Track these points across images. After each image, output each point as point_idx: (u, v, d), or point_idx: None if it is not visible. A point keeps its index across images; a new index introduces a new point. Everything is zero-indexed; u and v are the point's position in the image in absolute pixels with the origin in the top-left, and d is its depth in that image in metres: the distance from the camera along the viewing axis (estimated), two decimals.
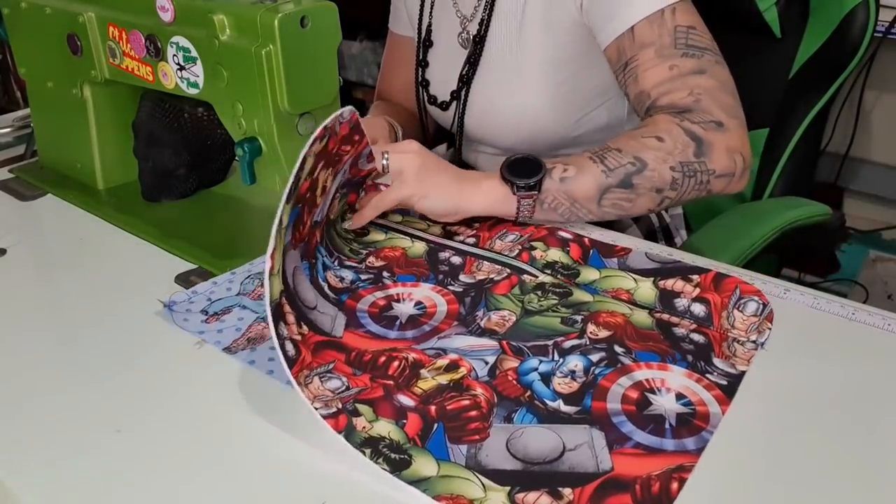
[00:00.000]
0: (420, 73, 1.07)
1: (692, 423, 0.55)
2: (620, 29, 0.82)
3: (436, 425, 0.55)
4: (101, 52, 0.83)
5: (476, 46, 0.96)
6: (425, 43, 1.05)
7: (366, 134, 0.71)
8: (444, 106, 1.03)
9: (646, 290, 0.70)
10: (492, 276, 0.73)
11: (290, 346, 0.58)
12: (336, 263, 0.74)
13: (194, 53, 0.72)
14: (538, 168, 0.77)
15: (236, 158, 0.72)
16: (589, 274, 0.73)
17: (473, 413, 0.56)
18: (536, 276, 0.72)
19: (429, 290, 0.71)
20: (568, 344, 0.63)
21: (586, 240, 0.77)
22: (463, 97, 0.99)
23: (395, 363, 0.61)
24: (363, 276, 0.73)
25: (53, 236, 0.86)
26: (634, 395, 0.58)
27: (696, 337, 0.64)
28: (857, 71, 1.40)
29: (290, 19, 0.65)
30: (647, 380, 0.59)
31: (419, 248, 0.78)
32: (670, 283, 0.70)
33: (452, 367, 0.61)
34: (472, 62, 0.97)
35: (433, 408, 0.56)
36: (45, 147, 1.00)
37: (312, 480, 0.51)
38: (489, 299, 0.69)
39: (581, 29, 0.88)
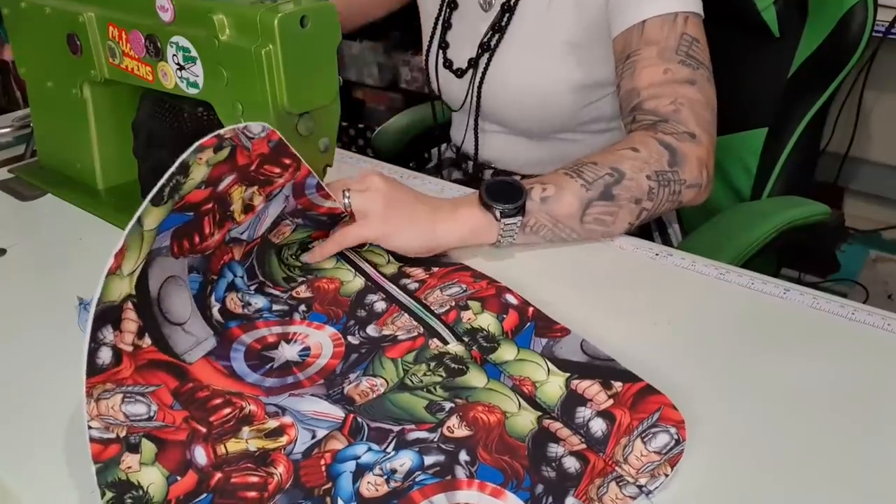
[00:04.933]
0: (441, 36, 1.03)
1: None
2: (633, 20, 0.83)
3: (204, 495, 0.50)
4: (100, 52, 0.83)
5: (504, 14, 0.95)
6: (450, 4, 1.03)
7: (303, 161, 0.65)
8: (460, 73, 1.01)
9: (554, 387, 0.59)
10: (399, 333, 0.66)
11: (105, 353, 0.53)
12: (252, 288, 0.70)
13: (194, 53, 0.72)
14: (517, 191, 0.74)
15: None
16: (506, 352, 0.63)
17: (252, 494, 0.50)
18: (447, 343, 0.64)
19: (326, 337, 0.66)
20: (413, 435, 0.55)
21: (531, 310, 0.67)
22: (483, 65, 0.96)
23: (227, 410, 0.56)
24: (275, 307, 0.69)
25: (53, 236, 0.86)
26: None
27: (570, 462, 0.53)
28: (856, 71, 1.40)
29: (290, 19, 0.65)
30: None
31: (356, 284, 0.72)
32: (584, 386, 0.58)
33: (276, 433, 0.55)
34: (497, 29, 0.95)
35: (219, 475, 0.51)
36: (44, 147, 1.00)
37: None
38: (374, 361, 0.63)
39: (605, 17, 0.89)
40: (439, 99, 1.11)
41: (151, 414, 0.54)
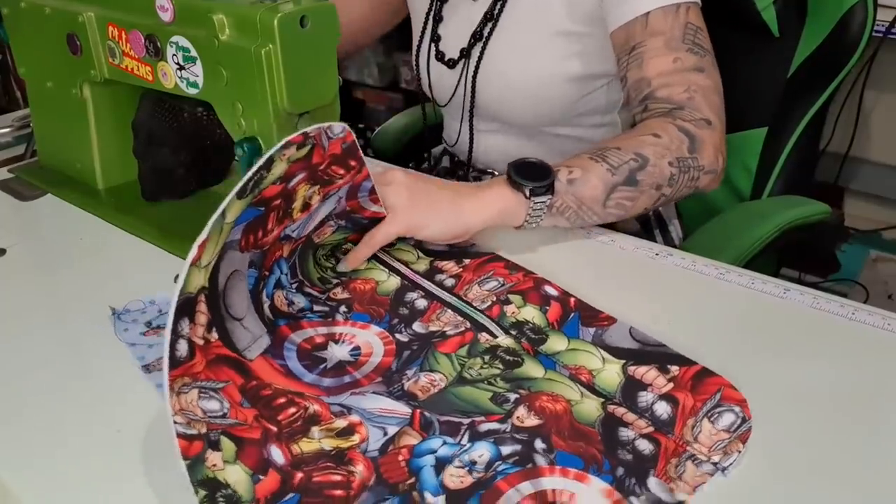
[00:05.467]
0: (433, 29, 1.03)
1: None
2: (634, 13, 0.84)
3: (291, 494, 0.49)
4: (100, 52, 0.83)
5: (496, 2, 0.95)
6: None
7: (366, 164, 0.66)
8: (452, 64, 1.01)
9: (611, 374, 0.60)
10: (447, 328, 0.66)
11: (182, 346, 0.53)
12: (294, 287, 0.70)
13: (194, 53, 0.72)
14: (543, 171, 0.75)
15: (236, 158, 0.72)
16: (556, 343, 0.64)
17: (338, 492, 0.50)
18: (496, 337, 0.65)
19: (374, 335, 0.66)
20: (485, 427, 0.55)
21: (572, 301, 0.69)
22: (478, 55, 0.96)
23: (292, 409, 0.56)
24: (316, 308, 0.69)
25: (53, 236, 0.86)
26: None
27: (643, 445, 0.53)
28: (857, 71, 1.40)
29: (290, 19, 0.65)
30: (553, 490, 0.50)
31: (392, 283, 0.73)
32: (641, 371, 0.60)
33: (347, 431, 0.55)
34: (491, 18, 0.96)
35: (300, 475, 0.51)
36: (44, 147, 1.00)
37: None
38: (428, 357, 0.63)
39: (599, 8, 0.89)
40: (429, 99, 1.11)
41: (225, 411, 0.54)
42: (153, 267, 0.77)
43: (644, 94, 0.85)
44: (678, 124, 0.80)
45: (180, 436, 0.49)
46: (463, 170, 1.11)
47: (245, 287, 0.62)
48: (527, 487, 0.50)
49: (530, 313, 0.67)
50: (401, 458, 0.53)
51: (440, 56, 1.02)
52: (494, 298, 0.69)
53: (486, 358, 0.63)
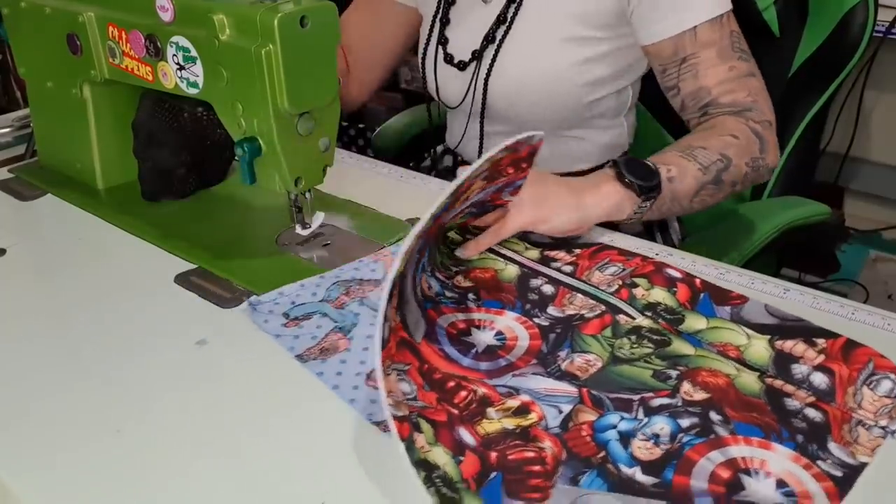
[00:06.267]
0: (440, 30, 1.04)
1: None
2: (682, 27, 0.87)
3: (493, 473, 0.50)
4: (100, 52, 0.83)
5: (510, 4, 0.96)
6: (448, 0, 1.03)
7: (533, 166, 0.69)
8: (462, 66, 1.01)
9: (759, 349, 0.61)
10: (583, 311, 0.67)
11: (385, 329, 0.54)
12: (430, 270, 0.71)
13: (194, 53, 0.72)
14: (648, 169, 0.79)
15: (236, 158, 0.72)
16: (695, 322, 0.65)
17: (537, 468, 0.50)
18: (634, 318, 0.65)
19: (512, 321, 0.66)
20: (657, 402, 0.56)
21: (697, 281, 0.70)
22: (491, 57, 0.97)
23: (463, 393, 0.57)
24: (447, 293, 0.69)
25: (53, 236, 0.86)
26: (726, 474, 0.50)
27: (812, 413, 0.55)
28: (857, 71, 1.40)
29: (290, 19, 0.65)
30: (743, 458, 0.51)
31: (511, 271, 0.73)
32: (789, 346, 0.61)
33: (522, 410, 0.55)
34: (503, 21, 0.96)
35: (494, 454, 0.51)
36: (44, 147, 1.00)
37: (312, 480, 0.51)
38: (575, 339, 0.63)
39: (616, 16, 0.91)
40: (434, 100, 1.10)
41: (415, 394, 0.55)
42: (153, 267, 0.77)
43: (705, 102, 0.89)
44: (751, 126, 0.86)
45: (396, 418, 0.49)
46: None
47: (410, 270, 0.64)
48: (717, 456, 0.51)
49: (660, 295, 0.68)
50: (584, 433, 0.53)
51: (449, 59, 1.02)
52: (620, 282, 0.70)
53: (633, 338, 0.63)
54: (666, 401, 0.56)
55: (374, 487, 0.50)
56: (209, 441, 0.55)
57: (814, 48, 1.06)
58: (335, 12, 0.69)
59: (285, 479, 0.51)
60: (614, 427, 0.54)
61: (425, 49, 1.07)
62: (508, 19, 0.96)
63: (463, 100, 1.03)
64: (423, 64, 1.07)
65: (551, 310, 0.67)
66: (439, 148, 1.21)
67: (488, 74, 0.97)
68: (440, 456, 0.50)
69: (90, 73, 0.85)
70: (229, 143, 0.74)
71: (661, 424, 0.54)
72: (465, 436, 0.52)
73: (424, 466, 0.49)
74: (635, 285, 0.69)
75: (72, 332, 0.68)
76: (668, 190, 0.80)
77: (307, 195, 0.77)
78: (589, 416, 0.55)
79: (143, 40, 0.77)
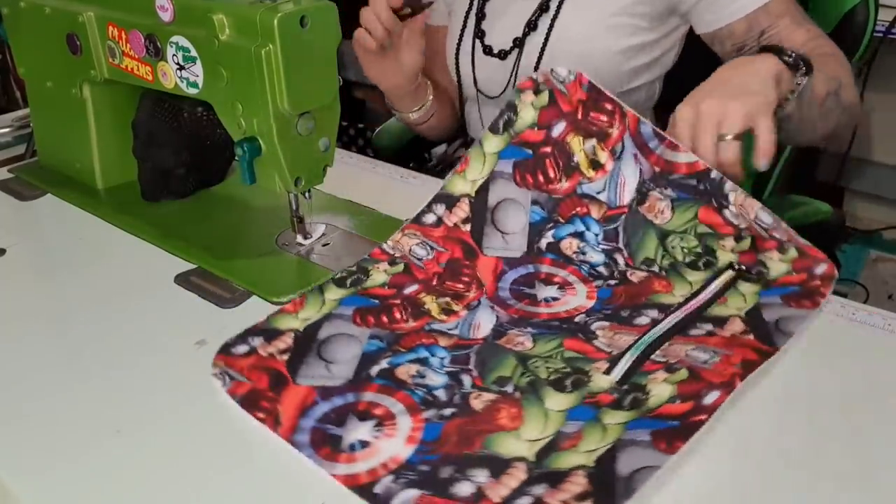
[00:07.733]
0: (476, 25, 1.04)
1: None
2: (754, 5, 0.90)
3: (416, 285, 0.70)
4: (100, 52, 0.83)
5: None
6: None
7: (623, 104, 0.72)
8: (503, 55, 1.01)
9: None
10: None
11: (429, 217, 0.76)
12: (601, 248, 0.73)
13: (194, 53, 0.72)
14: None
15: (236, 158, 0.72)
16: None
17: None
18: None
19: (584, 297, 0.70)
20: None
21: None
22: (541, 43, 0.98)
23: (462, 286, 0.70)
24: (604, 271, 0.72)
25: (53, 236, 0.86)
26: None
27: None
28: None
29: (290, 19, 0.65)
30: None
31: (674, 300, 0.69)
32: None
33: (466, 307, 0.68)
34: (546, 9, 0.97)
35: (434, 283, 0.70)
36: (44, 147, 1.00)
37: (312, 481, 0.51)
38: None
39: (668, 5, 0.94)
40: (461, 96, 1.11)
41: (430, 256, 0.72)
42: (153, 267, 0.77)
43: None
44: (845, 66, 0.88)
45: (381, 251, 0.73)
46: None
47: (521, 215, 0.75)
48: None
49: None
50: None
51: (488, 50, 1.03)
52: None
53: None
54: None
55: None
56: (209, 441, 0.55)
57: None
58: (335, 12, 0.69)
59: (286, 479, 0.51)
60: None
61: (459, 44, 1.06)
62: (552, 7, 0.97)
63: (505, 89, 1.03)
64: (458, 59, 1.07)
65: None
66: (438, 150, 1.21)
67: (538, 62, 0.98)
68: (377, 277, 0.70)
69: (90, 73, 0.85)
70: (229, 143, 0.74)
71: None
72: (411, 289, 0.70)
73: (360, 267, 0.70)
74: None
75: (72, 332, 0.68)
76: (807, 83, 0.77)
77: (307, 195, 0.77)
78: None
79: (143, 40, 0.77)
